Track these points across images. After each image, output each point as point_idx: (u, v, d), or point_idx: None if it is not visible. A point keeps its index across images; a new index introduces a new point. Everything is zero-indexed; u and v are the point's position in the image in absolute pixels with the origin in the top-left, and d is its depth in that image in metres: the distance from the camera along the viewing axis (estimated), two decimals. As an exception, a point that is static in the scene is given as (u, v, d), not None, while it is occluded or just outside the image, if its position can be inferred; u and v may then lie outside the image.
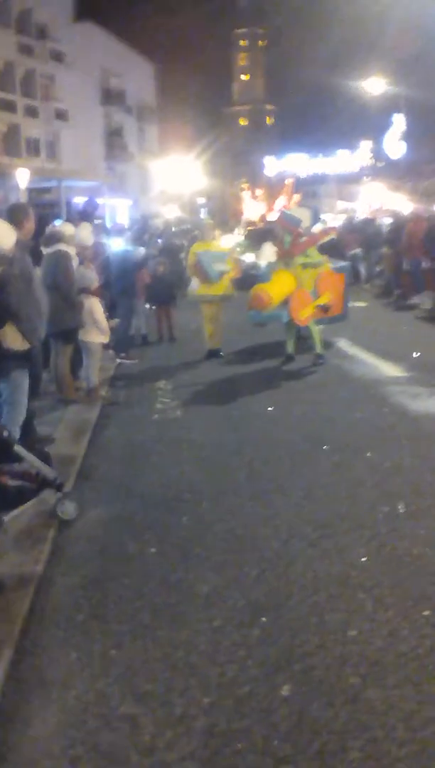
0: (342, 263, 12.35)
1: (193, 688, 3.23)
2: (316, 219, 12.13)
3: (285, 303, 9.66)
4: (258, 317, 10.70)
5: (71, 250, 7.99)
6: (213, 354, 10.72)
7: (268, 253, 9.77)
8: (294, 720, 2.99)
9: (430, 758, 2.74)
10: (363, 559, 4.32)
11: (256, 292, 9.57)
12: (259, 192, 35.68)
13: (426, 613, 3.70)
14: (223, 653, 3.47)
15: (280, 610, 3.81)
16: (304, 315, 9.75)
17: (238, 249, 18.83)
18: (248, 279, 12.90)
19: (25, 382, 5.57)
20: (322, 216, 30.98)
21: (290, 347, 10.24)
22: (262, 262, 9.70)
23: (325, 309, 9.91)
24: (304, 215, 10.34)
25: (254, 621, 3.72)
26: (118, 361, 10.58)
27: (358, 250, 20.07)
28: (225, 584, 4.11)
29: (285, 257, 10.05)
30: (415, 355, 10.13)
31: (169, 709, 3.10)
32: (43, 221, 8.21)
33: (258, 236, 24.52)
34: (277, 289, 9.60)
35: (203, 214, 51.32)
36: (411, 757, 2.75)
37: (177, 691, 3.21)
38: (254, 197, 35.40)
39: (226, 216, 38.29)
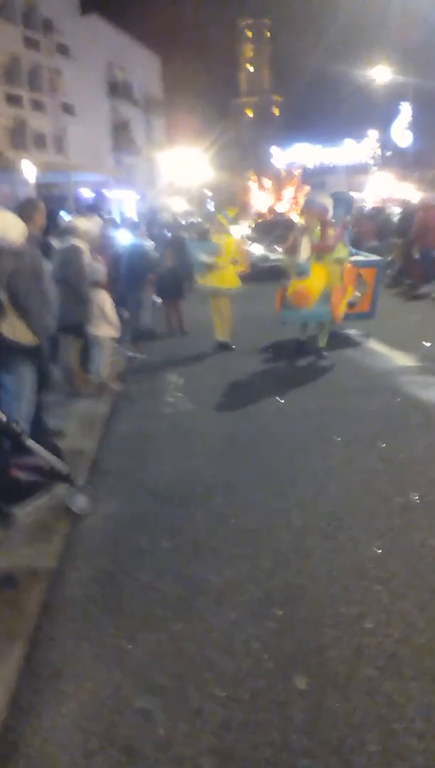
0: (375, 258, 11.71)
1: (209, 681, 3.21)
2: (348, 209, 11.77)
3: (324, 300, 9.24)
4: (293, 316, 9.69)
5: (84, 245, 7.97)
6: (223, 347, 10.68)
7: (306, 247, 8.99)
8: (311, 713, 2.97)
9: (449, 751, 2.71)
10: (378, 551, 4.28)
11: (299, 289, 8.99)
12: (267, 183, 35.56)
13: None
14: (238, 646, 3.44)
15: (295, 603, 3.78)
16: (341, 312, 9.47)
17: (247, 241, 18.80)
18: (259, 272, 12.85)
19: (31, 377, 5.54)
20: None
21: (323, 341, 9.71)
22: (303, 256, 8.94)
23: (351, 305, 9.67)
24: (326, 202, 9.62)
25: (269, 614, 3.69)
26: (129, 354, 10.55)
27: (375, 242, 19.95)
28: (239, 578, 4.08)
29: (318, 251, 9.21)
30: (426, 344, 10.05)
31: (184, 703, 3.08)
32: (51, 215, 8.18)
33: (266, 228, 24.51)
34: (316, 285, 9.15)
35: (211, 206, 51.21)
36: (430, 750, 2.72)
37: (192, 684, 3.19)
38: (262, 188, 35.29)
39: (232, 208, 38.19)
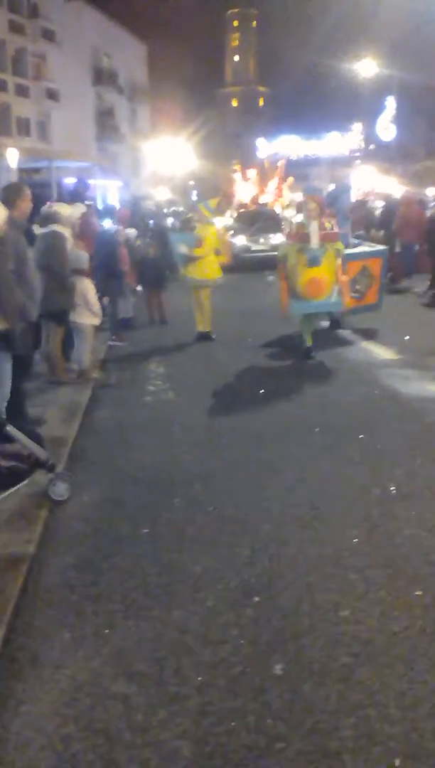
0: (379, 247, 11.23)
1: (186, 667, 3.24)
2: (347, 198, 11.61)
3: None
4: (304, 307, 9.04)
5: (66, 231, 7.94)
6: (204, 337, 10.70)
7: (316, 234, 8.62)
8: (287, 699, 3.00)
9: (421, 736, 2.76)
10: (355, 541, 4.33)
11: (314, 279, 8.52)
12: (250, 174, 35.49)
13: (417, 593, 3.72)
14: (215, 633, 3.48)
15: (272, 591, 3.82)
16: (348, 303, 9.25)
17: (229, 232, 18.77)
18: (241, 263, 12.81)
19: (4, 364, 5.45)
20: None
21: (309, 340, 9.38)
22: (314, 243, 8.55)
23: (358, 297, 9.51)
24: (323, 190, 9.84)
25: (247, 601, 3.73)
26: (109, 343, 10.54)
27: (361, 231, 19.97)
28: (217, 565, 4.12)
29: (323, 239, 8.77)
30: (406, 338, 10.13)
31: (162, 689, 3.11)
32: (36, 201, 8.12)
33: (249, 219, 24.48)
34: (328, 274, 8.77)
35: (194, 196, 51.06)
36: (403, 735, 2.77)
37: (170, 670, 3.22)
38: (246, 179, 35.22)
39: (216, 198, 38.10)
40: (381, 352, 9.56)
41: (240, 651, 3.33)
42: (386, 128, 48.92)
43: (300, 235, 8.83)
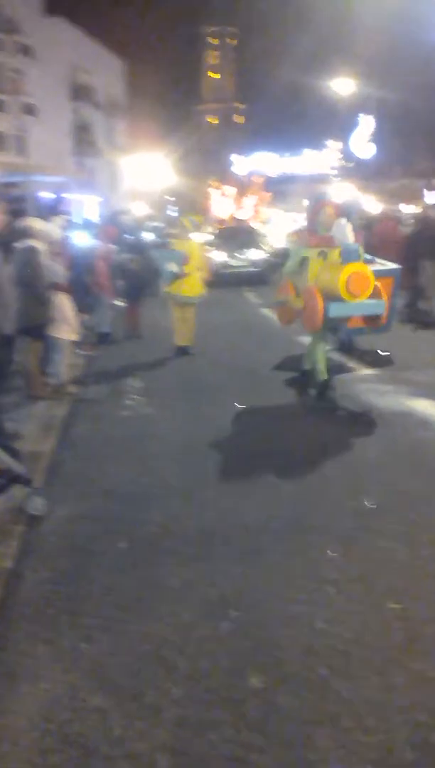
0: (391, 265, 9.94)
1: (164, 680, 3.24)
2: (356, 212, 11.08)
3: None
4: (343, 310, 7.80)
5: (41, 246, 7.95)
6: (182, 351, 10.72)
7: (350, 231, 7.90)
8: (264, 711, 3.02)
9: (398, 746, 2.79)
10: (332, 554, 4.36)
11: (359, 272, 7.39)
12: (228, 190, 35.74)
13: (393, 605, 3.76)
14: (193, 646, 3.49)
15: (250, 604, 3.84)
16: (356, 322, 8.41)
17: (209, 248, 18.85)
18: (219, 279, 12.81)
19: None
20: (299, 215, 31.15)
21: (324, 371, 8.20)
22: (350, 239, 7.79)
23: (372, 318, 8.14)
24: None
25: (224, 614, 3.75)
26: (79, 351, 10.46)
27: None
28: (195, 578, 4.13)
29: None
30: (382, 353, 10.23)
31: (139, 701, 3.11)
32: (13, 216, 8.14)
33: (227, 235, 24.63)
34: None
35: (172, 211, 51.19)
36: (379, 745, 2.80)
37: (147, 683, 3.23)
38: (224, 195, 35.45)
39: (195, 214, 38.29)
40: (358, 367, 9.63)
41: (217, 663, 3.34)
42: (364, 146, 49.52)
43: (320, 239, 8.13)
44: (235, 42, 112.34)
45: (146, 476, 5.88)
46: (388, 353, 10.13)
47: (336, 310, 7.68)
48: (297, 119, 50.17)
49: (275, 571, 4.18)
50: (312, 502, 5.21)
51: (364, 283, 7.38)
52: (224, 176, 45.14)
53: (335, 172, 51.78)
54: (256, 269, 21.58)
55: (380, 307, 7.81)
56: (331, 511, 5.02)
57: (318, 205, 8.58)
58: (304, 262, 8.24)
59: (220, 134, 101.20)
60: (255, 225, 28.18)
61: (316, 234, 8.23)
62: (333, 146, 54.48)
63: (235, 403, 7.92)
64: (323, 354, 8.26)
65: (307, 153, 57.72)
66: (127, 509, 5.20)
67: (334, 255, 7.76)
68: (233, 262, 21.57)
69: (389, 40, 33.95)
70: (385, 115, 45.11)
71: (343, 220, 8.04)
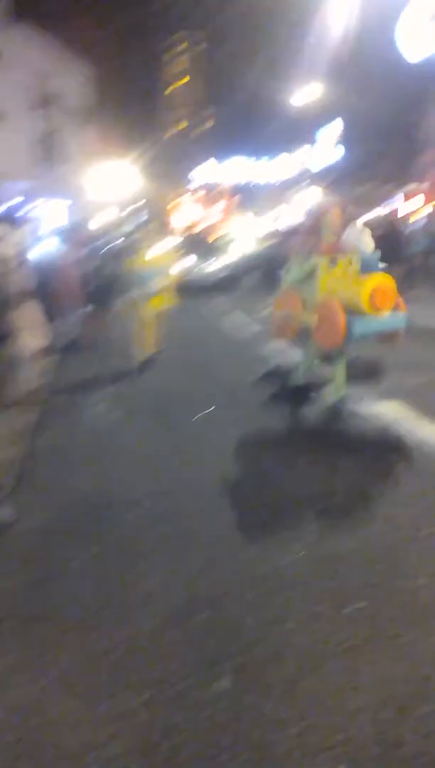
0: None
1: (134, 684, 3.26)
2: None
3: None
4: (369, 327, 7.14)
5: (7, 253, 7.93)
6: (149, 361, 10.65)
7: (368, 239, 7.46)
8: (234, 711, 3.06)
9: (364, 742, 2.84)
10: (301, 554, 4.41)
11: (382, 285, 6.91)
12: (198, 195, 35.83)
13: (360, 605, 3.81)
14: (163, 649, 3.51)
15: (219, 606, 3.87)
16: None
17: (176, 253, 18.83)
18: (189, 286, 12.64)
19: None
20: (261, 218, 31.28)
21: (341, 386, 7.67)
22: (368, 247, 7.38)
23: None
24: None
25: (194, 617, 3.77)
26: (48, 360, 10.41)
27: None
28: (165, 582, 4.15)
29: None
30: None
31: (109, 705, 3.13)
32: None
33: (197, 241, 24.69)
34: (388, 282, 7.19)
35: (140, 218, 51.17)
36: (346, 742, 2.85)
37: (117, 687, 3.25)
38: (193, 201, 35.53)
39: (163, 219, 38.31)
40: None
41: (187, 666, 3.37)
42: (332, 151, 49.90)
43: (330, 246, 7.56)
44: (203, 46, 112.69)
45: (117, 482, 5.88)
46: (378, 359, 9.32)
47: (361, 326, 7.03)
48: (266, 124, 50.22)
49: (245, 573, 4.21)
50: (281, 504, 5.24)
51: (388, 296, 6.94)
52: (192, 182, 45.26)
53: (303, 176, 52.03)
54: (225, 275, 21.64)
55: (404, 321, 7.27)
56: (300, 512, 5.05)
57: (323, 209, 8.05)
58: (312, 271, 7.62)
59: (189, 139, 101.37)
60: (224, 230, 28.23)
61: (324, 240, 7.63)
62: (302, 150, 54.74)
63: (202, 410, 7.91)
64: (342, 373, 7.59)
65: (279, 158, 58.00)
66: (98, 515, 5.19)
67: (348, 264, 7.22)
68: (202, 268, 21.62)
69: (357, 45, 34.14)
70: (353, 120, 45.43)
71: (358, 225, 7.69)
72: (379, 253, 7.51)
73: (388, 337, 7.44)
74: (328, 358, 7.66)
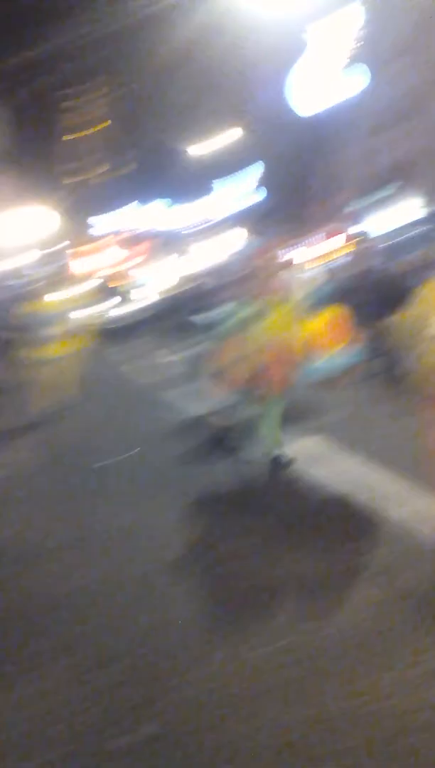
0: None
1: (54, 738, 3.15)
2: None
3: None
4: (324, 368, 6.60)
5: None
6: (57, 406, 10.43)
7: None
8: (161, 757, 2.98)
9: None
10: (218, 596, 4.38)
11: (332, 319, 6.53)
12: (112, 239, 36.02)
13: (281, 643, 3.77)
14: (84, 699, 3.40)
15: (140, 653, 3.78)
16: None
17: (87, 297, 18.81)
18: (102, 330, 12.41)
19: None
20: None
21: (277, 437, 7.02)
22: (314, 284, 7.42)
23: None
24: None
25: (115, 664, 3.68)
26: None
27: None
28: (83, 632, 4.05)
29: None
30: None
31: (28, 760, 3.02)
32: None
33: (109, 284, 24.77)
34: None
35: (52, 265, 50.83)
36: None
37: (36, 741, 3.13)
38: (110, 245, 35.66)
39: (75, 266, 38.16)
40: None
41: (111, 714, 3.27)
42: (252, 193, 51.04)
43: (270, 287, 7.13)
44: (119, 94, 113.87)
45: (33, 534, 5.74)
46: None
47: (315, 368, 6.56)
48: (186, 168, 50.99)
49: (162, 618, 4.13)
50: (195, 548, 5.20)
51: (339, 332, 6.55)
52: (106, 226, 45.43)
53: (223, 220, 52.71)
54: (139, 318, 21.60)
55: (359, 355, 6.72)
56: (199, 556, 5.03)
57: (257, 251, 7.76)
58: (255, 316, 7.10)
59: (103, 185, 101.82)
60: (140, 274, 28.43)
61: (264, 282, 7.22)
62: (222, 193, 55.51)
63: (111, 455, 7.79)
64: (278, 421, 7.08)
65: (198, 201, 58.62)
66: (14, 568, 5.06)
67: (293, 305, 6.94)
68: (115, 312, 21.62)
69: (277, 90, 35.25)
70: (273, 162, 46.64)
71: (302, 264, 7.71)
72: (329, 286, 7.44)
73: (343, 375, 6.82)
74: (274, 403, 7.05)
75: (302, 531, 5.11)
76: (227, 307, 7.61)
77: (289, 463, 6.78)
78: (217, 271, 26.43)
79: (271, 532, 5.17)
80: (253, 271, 7.36)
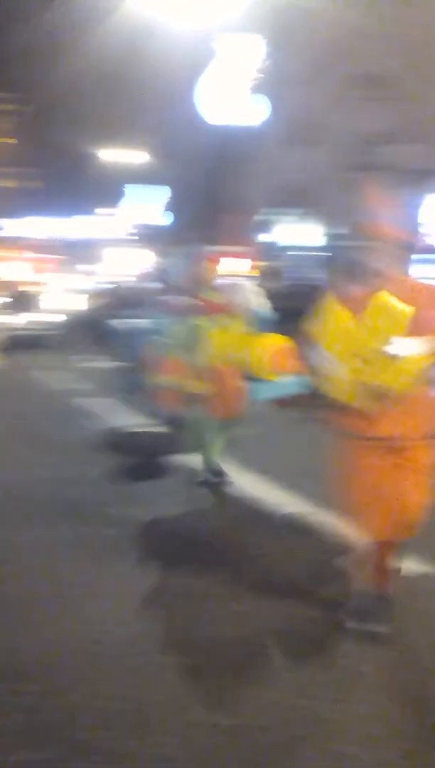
0: None
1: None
2: None
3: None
4: (277, 389, 6.03)
5: None
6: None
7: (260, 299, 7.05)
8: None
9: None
10: (119, 616, 4.45)
11: (284, 344, 5.78)
12: (20, 254, 35.57)
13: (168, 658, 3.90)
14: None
15: (49, 676, 3.82)
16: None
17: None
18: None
19: None
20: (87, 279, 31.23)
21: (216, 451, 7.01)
22: (254, 304, 6.93)
23: None
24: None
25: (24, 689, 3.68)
26: None
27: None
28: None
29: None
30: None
31: None
32: None
33: (22, 297, 24.39)
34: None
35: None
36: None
37: None
38: (18, 254, 35.17)
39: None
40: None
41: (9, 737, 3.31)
42: (157, 212, 51.19)
43: (215, 305, 6.85)
44: (30, 108, 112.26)
45: None
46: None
47: (265, 392, 6.15)
48: (91, 184, 50.77)
49: (69, 641, 4.17)
50: (99, 562, 5.27)
51: (284, 357, 5.90)
52: (19, 240, 44.87)
53: (129, 236, 52.71)
54: (47, 331, 21.34)
55: (306, 383, 5.96)
56: (118, 570, 5.10)
57: (195, 261, 7.16)
58: (195, 333, 6.78)
59: (15, 199, 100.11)
60: (47, 286, 28.13)
61: (205, 298, 6.91)
62: (125, 212, 55.48)
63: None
64: (220, 446, 7.00)
65: (103, 217, 58.44)
66: None
67: (238, 323, 6.70)
68: (21, 325, 21.32)
69: (181, 115, 35.63)
70: (177, 183, 47.00)
71: (245, 282, 7.44)
72: (272, 312, 7.19)
73: (290, 401, 6.24)
74: (220, 428, 6.86)
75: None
76: (168, 319, 7.32)
77: (223, 483, 6.89)
78: (136, 280, 26.53)
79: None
80: (195, 282, 7.04)
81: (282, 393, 6.01)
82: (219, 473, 7.00)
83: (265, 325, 6.72)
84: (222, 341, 6.61)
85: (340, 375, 3.98)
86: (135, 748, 3.24)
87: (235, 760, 3.17)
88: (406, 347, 3.73)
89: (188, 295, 7.01)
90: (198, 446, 7.04)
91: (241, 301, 6.97)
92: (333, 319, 4.07)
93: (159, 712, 3.48)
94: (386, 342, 3.77)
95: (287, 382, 5.90)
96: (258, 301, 7.09)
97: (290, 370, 5.78)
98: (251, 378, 6.05)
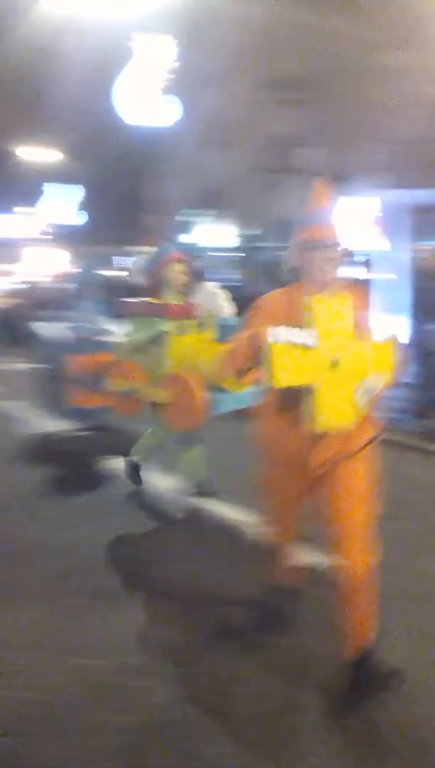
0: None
1: None
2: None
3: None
4: (236, 401, 5.83)
5: None
6: None
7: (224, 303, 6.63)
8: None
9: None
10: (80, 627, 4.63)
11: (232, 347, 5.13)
12: None
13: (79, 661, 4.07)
14: None
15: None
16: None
17: None
18: None
19: None
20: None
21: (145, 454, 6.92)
22: (224, 311, 6.53)
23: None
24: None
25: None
26: None
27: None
28: None
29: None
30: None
31: None
32: None
33: None
34: None
35: None
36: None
37: None
38: None
39: None
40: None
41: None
42: (72, 212, 50.56)
43: (179, 309, 6.38)
44: None
45: None
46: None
47: (224, 403, 5.93)
48: (7, 183, 49.64)
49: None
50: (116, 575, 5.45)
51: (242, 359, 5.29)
52: None
53: (44, 236, 51.81)
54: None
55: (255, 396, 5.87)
56: (108, 574, 5.30)
57: (161, 262, 6.57)
58: (157, 337, 6.33)
59: None
60: None
61: (168, 300, 6.44)
62: (42, 210, 54.49)
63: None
64: (197, 457, 6.64)
65: (15, 215, 57.13)
66: None
67: (202, 329, 6.27)
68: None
69: (98, 115, 35.33)
70: (94, 183, 46.55)
71: (212, 286, 6.90)
72: (237, 319, 6.51)
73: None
74: (177, 439, 6.55)
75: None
76: (127, 322, 6.89)
77: (140, 482, 6.88)
78: (52, 281, 26.10)
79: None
80: (160, 283, 6.52)
81: (241, 405, 5.72)
82: (138, 471, 6.91)
83: (231, 332, 6.01)
84: (186, 347, 6.16)
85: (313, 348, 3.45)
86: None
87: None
88: (371, 387, 3.51)
89: (151, 297, 6.52)
90: (149, 455, 6.88)
91: (208, 305, 6.54)
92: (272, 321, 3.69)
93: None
94: (358, 387, 3.50)
95: (246, 395, 5.47)
96: (224, 306, 6.68)
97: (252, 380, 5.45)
98: (214, 388, 5.79)
